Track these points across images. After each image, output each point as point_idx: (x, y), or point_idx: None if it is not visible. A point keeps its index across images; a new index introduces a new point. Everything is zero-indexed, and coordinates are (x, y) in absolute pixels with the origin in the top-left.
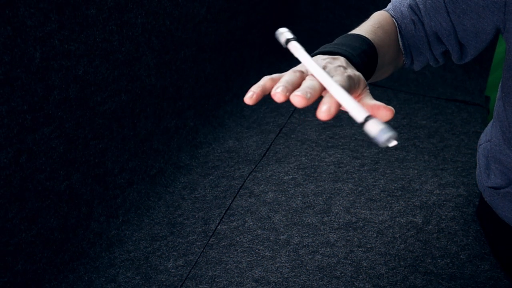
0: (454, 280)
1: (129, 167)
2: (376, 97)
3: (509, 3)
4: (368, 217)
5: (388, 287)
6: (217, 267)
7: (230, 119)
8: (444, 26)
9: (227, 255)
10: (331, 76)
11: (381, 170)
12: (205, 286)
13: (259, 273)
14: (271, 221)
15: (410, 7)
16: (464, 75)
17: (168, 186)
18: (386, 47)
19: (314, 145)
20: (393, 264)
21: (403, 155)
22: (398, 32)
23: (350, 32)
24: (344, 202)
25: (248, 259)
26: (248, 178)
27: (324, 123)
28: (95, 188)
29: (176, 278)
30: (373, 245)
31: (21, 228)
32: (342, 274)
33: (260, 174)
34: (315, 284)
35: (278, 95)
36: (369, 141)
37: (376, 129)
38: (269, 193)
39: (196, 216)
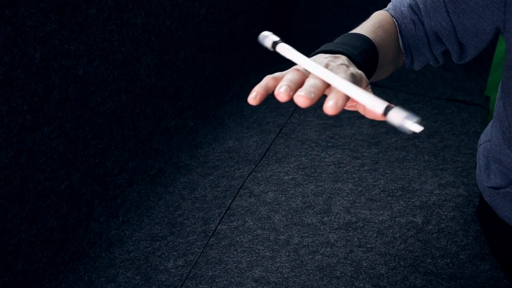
0: (454, 280)
1: (129, 167)
2: None
3: (509, 3)
4: (368, 217)
5: (388, 287)
6: (217, 267)
7: (230, 119)
8: (444, 26)
9: (227, 255)
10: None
11: (381, 170)
12: (205, 286)
13: (259, 273)
14: (271, 221)
15: (410, 7)
16: (464, 75)
17: (168, 186)
18: (386, 47)
19: (314, 145)
20: (393, 264)
21: (403, 155)
22: (398, 31)
23: (350, 32)
24: (344, 202)
25: (248, 259)
26: (248, 178)
27: (324, 123)
28: (95, 188)
29: (176, 278)
30: (373, 245)
31: (21, 228)
32: (342, 274)
33: (260, 174)
34: (315, 284)
35: (281, 94)
36: (369, 141)
37: (401, 117)
38: (269, 193)
39: (196, 216)
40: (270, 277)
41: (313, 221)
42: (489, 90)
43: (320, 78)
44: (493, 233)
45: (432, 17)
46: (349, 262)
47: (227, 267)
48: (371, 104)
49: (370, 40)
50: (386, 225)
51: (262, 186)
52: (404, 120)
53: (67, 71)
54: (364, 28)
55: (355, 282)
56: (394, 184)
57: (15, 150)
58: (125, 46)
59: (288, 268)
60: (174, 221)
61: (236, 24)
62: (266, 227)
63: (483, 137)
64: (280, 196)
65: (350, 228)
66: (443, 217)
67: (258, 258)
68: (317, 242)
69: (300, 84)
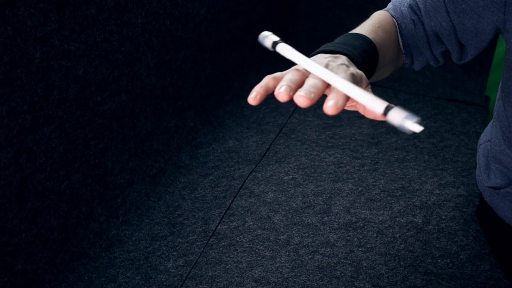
0: (454, 280)
1: (129, 167)
2: None
3: (509, 3)
4: (368, 217)
5: (388, 287)
6: (217, 267)
7: (230, 119)
8: (444, 26)
9: (227, 255)
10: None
11: (381, 170)
12: (205, 286)
13: (259, 273)
14: (271, 221)
15: (410, 7)
16: (464, 75)
17: (168, 186)
18: (386, 47)
19: (314, 145)
20: (393, 264)
21: (403, 155)
22: (398, 31)
23: (350, 32)
24: (344, 202)
25: (248, 259)
26: (248, 178)
27: (324, 123)
28: (95, 188)
29: (176, 278)
30: (373, 245)
31: (21, 228)
32: (342, 274)
33: (260, 174)
34: (315, 284)
35: (281, 94)
36: (369, 141)
37: (400, 117)
38: (269, 193)
39: (196, 216)
40: (270, 277)
41: (313, 221)
42: (489, 90)
43: (320, 78)
44: (493, 233)
45: (432, 17)
46: (349, 262)
47: (227, 267)
48: (371, 104)
49: (370, 40)
50: (386, 225)
51: (262, 186)
52: (404, 120)
53: (67, 71)
54: (364, 28)
55: (355, 282)
56: (394, 184)
57: (15, 150)
58: (125, 46)
59: (288, 268)
60: (174, 221)
61: (236, 24)
62: (266, 227)
63: (483, 137)
64: (280, 196)
65: (350, 228)
66: (443, 217)
67: (258, 258)
68: (317, 242)
69: (300, 84)
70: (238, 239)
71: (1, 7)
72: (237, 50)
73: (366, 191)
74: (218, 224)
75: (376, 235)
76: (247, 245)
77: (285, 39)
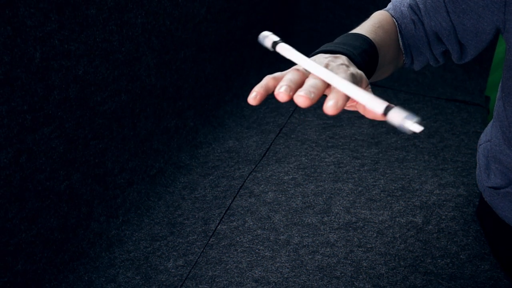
0: (454, 280)
1: (129, 167)
2: None
3: (509, 3)
4: (368, 217)
5: (388, 287)
6: (217, 267)
7: (230, 119)
8: (444, 26)
9: (227, 255)
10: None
11: (381, 170)
12: (205, 286)
13: (259, 273)
14: (271, 221)
15: (410, 7)
16: (464, 75)
17: (168, 186)
18: (386, 47)
19: (314, 145)
20: (393, 264)
21: (403, 155)
22: (398, 31)
23: (350, 32)
24: (344, 202)
25: (248, 259)
26: (248, 178)
27: (324, 123)
28: (95, 188)
29: (176, 278)
30: (373, 245)
31: (21, 228)
32: (342, 274)
33: (260, 174)
34: (315, 284)
35: (281, 94)
36: (369, 141)
37: (401, 117)
38: (269, 193)
39: (196, 216)
40: (270, 277)
41: (313, 221)
42: (489, 90)
43: (320, 78)
44: (493, 233)
45: (432, 17)
46: (349, 262)
47: (227, 267)
48: (371, 104)
49: (370, 40)
50: (386, 225)
51: (262, 186)
52: (404, 120)
53: (67, 71)
54: (364, 28)
55: (355, 282)
56: (394, 184)
57: (15, 150)
58: (125, 46)
59: (288, 268)
60: (174, 221)
61: (236, 24)
62: (266, 227)
63: (483, 137)
64: (280, 196)
65: (350, 228)
66: (443, 217)
67: (258, 258)
68: (317, 242)
69: (300, 84)
70: (238, 239)
71: (1, 7)
72: (237, 50)
73: (366, 191)
74: (218, 224)
75: (376, 235)
76: (247, 245)
77: (285, 39)
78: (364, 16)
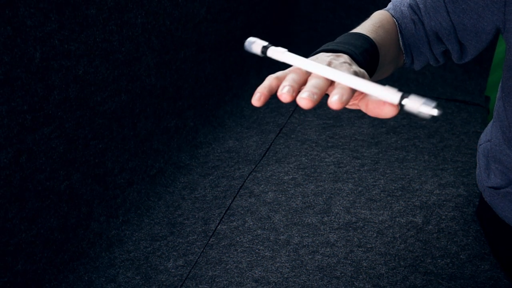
0: (454, 280)
1: (129, 167)
2: None
3: (509, 3)
4: (368, 217)
5: (388, 287)
6: (217, 267)
7: (230, 119)
8: (444, 25)
9: (227, 255)
10: None
11: (381, 170)
12: (205, 286)
13: (259, 273)
14: (271, 221)
15: (410, 6)
16: (464, 75)
17: (168, 186)
18: (387, 46)
19: (314, 145)
20: (393, 264)
21: (403, 155)
22: (398, 31)
23: (351, 31)
24: (344, 202)
25: (248, 259)
26: (248, 178)
27: (324, 123)
28: (95, 188)
29: (176, 278)
30: (373, 245)
31: (21, 228)
32: (342, 274)
33: (260, 174)
34: (315, 284)
35: (284, 95)
36: (369, 141)
37: (419, 103)
38: (269, 193)
39: (196, 216)
40: (270, 277)
41: (313, 221)
42: (489, 90)
43: (322, 77)
44: (493, 233)
45: (432, 17)
46: (349, 262)
47: (227, 267)
48: (385, 94)
49: (371, 39)
50: (386, 225)
51: (262, 186)
52: (422, 106)
53: (67, 71)
54: (365, 28)
55: (355, 282)
56: (394, 184)
57: (15, 150)
58: (125, 46)
59: (288, 268)
60: (174, 221)
61: (236, 24)
62: (266, 227)
63: (483, 137)
64: (280, 196)
65: (350, 228)
66: (443, 217)
67: (258, 258)
68: (317, 242)
69: (302, 83)
70: (238, 239)
71: (1, 7)
72: (237, 50)
73: (366, 191)
74: (218, 224)
75: (376, 235)
76: (247, 245)
77: (285, 39)
78: (364, 16)
